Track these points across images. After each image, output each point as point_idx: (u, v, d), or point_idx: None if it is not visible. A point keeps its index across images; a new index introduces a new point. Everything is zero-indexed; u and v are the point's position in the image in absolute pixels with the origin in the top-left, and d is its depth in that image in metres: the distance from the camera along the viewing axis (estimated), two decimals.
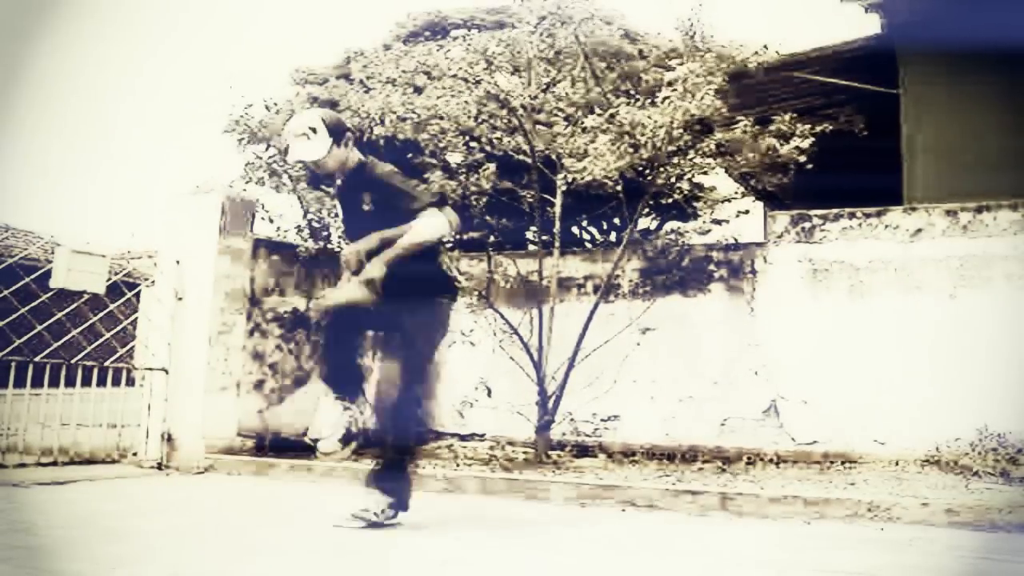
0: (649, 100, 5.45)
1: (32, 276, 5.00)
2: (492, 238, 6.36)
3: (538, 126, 5.73)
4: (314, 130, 3.44)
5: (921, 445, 5.48)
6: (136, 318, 5.86)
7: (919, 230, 5.85)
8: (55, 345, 5.09)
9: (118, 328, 5.56)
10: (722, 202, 9.70)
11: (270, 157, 9.06)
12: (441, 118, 5.68)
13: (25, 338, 5.04)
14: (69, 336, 5.23)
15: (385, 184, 3.48)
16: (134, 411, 5.56)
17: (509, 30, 6.20)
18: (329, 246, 6.34)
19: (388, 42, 10.76)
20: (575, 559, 2.87)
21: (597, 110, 5.66)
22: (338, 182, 3.62)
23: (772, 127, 5.70)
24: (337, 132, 3.45)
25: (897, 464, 5.41)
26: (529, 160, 5.73)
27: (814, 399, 5.88)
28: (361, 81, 9.09)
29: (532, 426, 5.71)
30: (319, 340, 3.59)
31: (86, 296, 5.14)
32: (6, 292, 4.87)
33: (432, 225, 3.39)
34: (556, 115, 5.75)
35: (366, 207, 3.48)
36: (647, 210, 6.82)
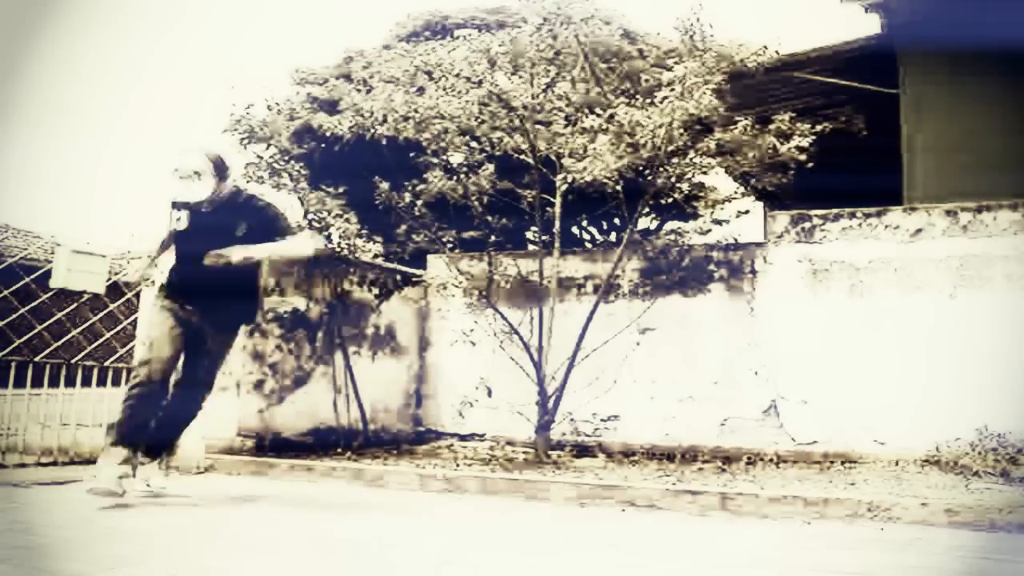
0: (649, 100, 5.45)
1: (32, 276, 4.99)
2: (492, 238, 6.36)
3: (538, 126, 5.73)
4: (199, 173, 3.69)
5: (921, 445, 5.48)
6: (136, 318, 5.86)
7: (919, 230, 5.85)
8: (55, 345, 5.09)
9: (118, 328, 5.56)
10: (722, 202, 9.69)
11: (271, 156, 9.07)
12: (443, 118, 5.67)
13: (25, 338, 5.04)
14: (69, 336, 5.23)
15: (261, 210, 3.87)
16: None
17: (510, 30, 6.20)
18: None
19: (389, 42, 10.77)
20: (575, 559, 2.87)
21: (597, 110, 5.65)
22: (204, 209, 3.82)
23: (772, 127, 5.70)
24: (221, 169, 3.74)
25: (897, 464, 5.41)
26: (529, 160, 5.73)
27: (814, 399, 5.88)
28: (363, 80, 9.09)
29: (532, 426, 5.72)
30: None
31: (86, 296, 5.14)
32: (6, 292, 4.87)
33: (304, 244, 4.03)
34: (556, 115, 5.75)
35: (240, 232, 3.80)
36: (647, 210, 6.81)
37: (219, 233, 3.82)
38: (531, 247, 8.31)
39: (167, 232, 4.01)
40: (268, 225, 3.85)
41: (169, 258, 4.06)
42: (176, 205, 3.91)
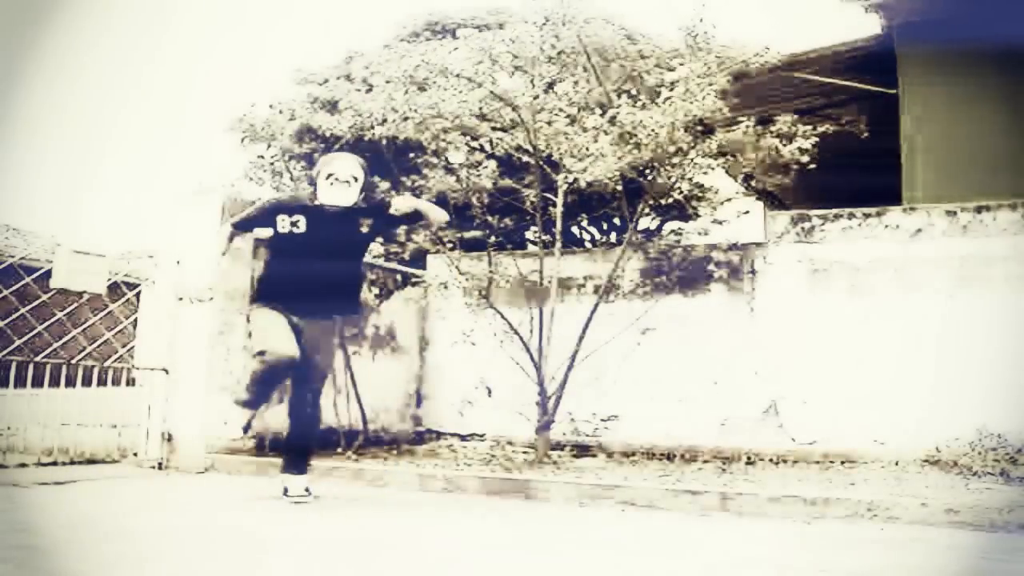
0: (651, 100, 5.45)
1: (32, 276, 5.00)
2: (493, 238, 6.36)
3: (540, 126, 5.72)
4: (356, 179, 3.78)
5: (921, 445, 5.48)
6: (136, 318, 5.85)
7: (919, 230, 5.85)
8: (55, 345, 5.09)
9: (118, 328, 5.56)
10: (723, 202, 9.69)
11: (272, 156, 9.06)
12: (443, 117, 5.67)
13: (25, 338, 5.04)
14: (69, 336, 5.23)
15: (396, 218, 3.91)
16: (134, 411, 5.55)
17: (512, 29, 6.19)
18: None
19: (389, 42, 10.76)
20: (575, 559, 2.87)
21: (599, 110, 5.65)
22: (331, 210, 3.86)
23: (773, 128, 5.70)
24: (368, 181, 3.87)
25: (897, 464, 5.41)
26: (531, 160, 5.73)
27: (814, 399, 5.88)
28: (364, 80, 9.08)
29: (532, 426, 5.71)
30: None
31: (86, 296, 5.14)
32: (6, 292, 4.87)
33: (439, 209, 4.04)
34: (558, 115, 5.74)
35: (364, 229, 3.93)
36: (648, 210, 6.81)
37: (346, 233, 3.89)
38: (532, 247, 8.30)
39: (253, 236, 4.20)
40: (391, 228, 4.10)
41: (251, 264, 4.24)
42: (317, 209, 3.93)
